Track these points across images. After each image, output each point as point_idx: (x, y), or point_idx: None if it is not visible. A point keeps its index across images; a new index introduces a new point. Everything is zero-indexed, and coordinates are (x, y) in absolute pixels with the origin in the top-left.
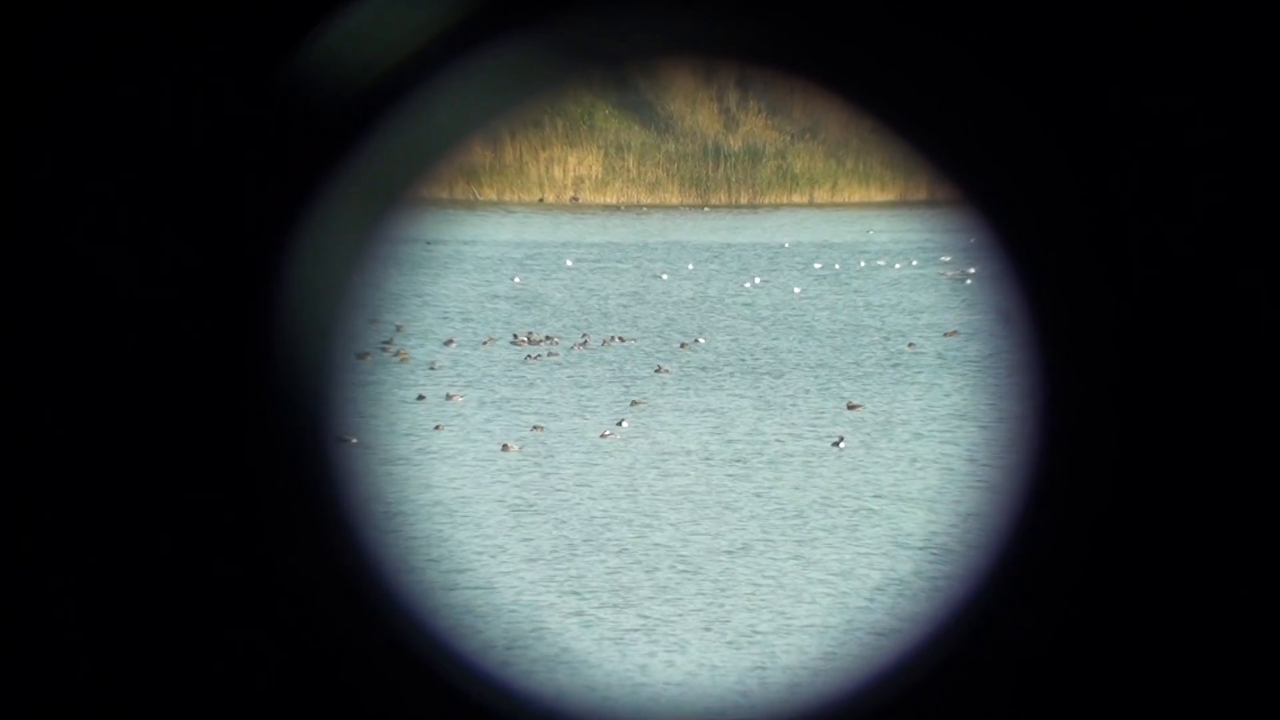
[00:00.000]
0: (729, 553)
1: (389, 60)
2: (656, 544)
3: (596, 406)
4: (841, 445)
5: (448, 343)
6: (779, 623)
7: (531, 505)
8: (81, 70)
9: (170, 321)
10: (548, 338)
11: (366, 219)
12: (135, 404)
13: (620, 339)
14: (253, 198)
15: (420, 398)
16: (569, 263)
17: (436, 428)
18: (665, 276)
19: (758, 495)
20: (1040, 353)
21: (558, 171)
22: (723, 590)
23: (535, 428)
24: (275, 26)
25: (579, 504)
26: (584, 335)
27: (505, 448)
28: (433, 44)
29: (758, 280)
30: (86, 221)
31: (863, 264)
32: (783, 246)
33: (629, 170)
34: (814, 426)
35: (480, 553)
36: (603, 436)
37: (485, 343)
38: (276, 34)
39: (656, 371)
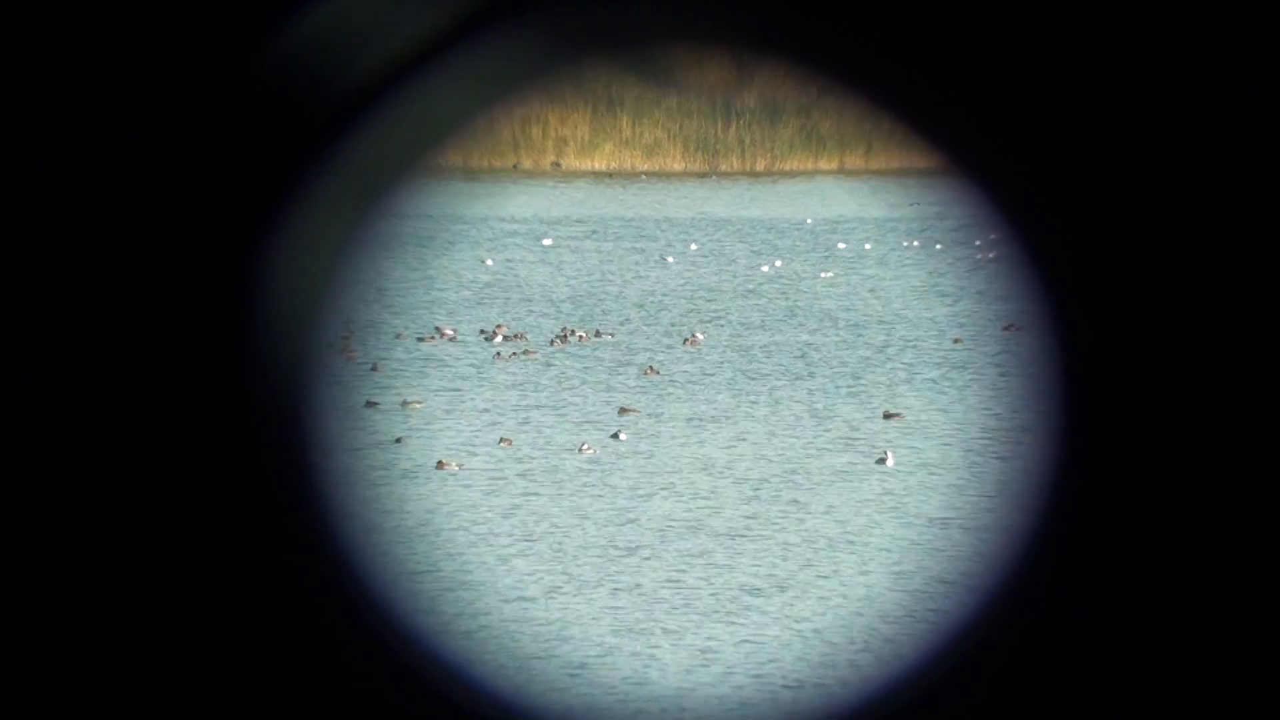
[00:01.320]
0: (749, 591)
1: (381, 53)
2: (656, 580)
3: (577, 415)
4: (889, 463)
5: (414, 339)
6: (809, 673)
7: (502, 533)
8: (74, 66)
9: (151, 317)
10: (507, 332)
11: (351, 209)
12: (114, 399)
13: (597, 333)
14: (236, 188)
15: (370, 404)
16: (548, 241)
17: (398, 440)
18: (671, 260)
19: (779, 524)
20: (1056, 348)
21: (536, 132)
22: (745, 636)
23: (503, 440)
24: (259, 17)
25: (559, 532)
26: (564, 329)
27: (440, 465)
28: (431, 35)
29: (776, 263)
30: (70, 217)
31: (902, 243)
32: (805, 223)
33: (621, 131)
34: (840, 440)
35: (448, 588)
36: (581, 451)
37: (449, 338)
38: (260, 24)
39: (648, 373)
